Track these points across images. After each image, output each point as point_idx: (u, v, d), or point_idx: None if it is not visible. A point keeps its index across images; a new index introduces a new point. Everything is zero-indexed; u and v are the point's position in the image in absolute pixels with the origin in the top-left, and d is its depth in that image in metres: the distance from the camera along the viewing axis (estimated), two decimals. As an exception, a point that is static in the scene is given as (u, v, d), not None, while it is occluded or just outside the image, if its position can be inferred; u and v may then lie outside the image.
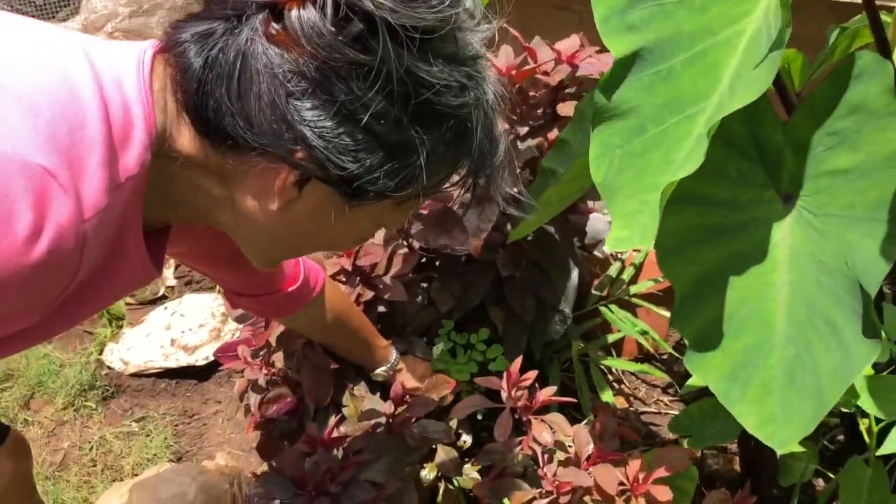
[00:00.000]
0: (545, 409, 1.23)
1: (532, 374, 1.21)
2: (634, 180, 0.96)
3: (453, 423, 1.37)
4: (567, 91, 1.60)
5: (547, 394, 1.20)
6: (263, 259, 0.86)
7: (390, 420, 1.25)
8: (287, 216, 0.74)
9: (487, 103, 0.75)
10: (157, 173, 0.71)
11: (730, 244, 1.01)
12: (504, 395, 1.22)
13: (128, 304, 2.21)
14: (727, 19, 0.97)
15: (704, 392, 1.75)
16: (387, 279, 1.45)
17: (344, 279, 1.46)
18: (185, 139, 0.71)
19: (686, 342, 1.01)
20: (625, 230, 0.94)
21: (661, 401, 1.85)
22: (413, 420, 1.25)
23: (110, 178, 0.65)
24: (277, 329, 1.45)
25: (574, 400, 1.32)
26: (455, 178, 0.79)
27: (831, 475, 1.40)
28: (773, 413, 0.91)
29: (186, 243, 0.98)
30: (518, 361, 1.22)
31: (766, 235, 0.98)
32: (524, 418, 1.20)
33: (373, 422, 1.29)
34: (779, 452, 0.90)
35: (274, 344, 1.45)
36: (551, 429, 1.17)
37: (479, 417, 1.49)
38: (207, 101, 0.68)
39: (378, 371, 1.42)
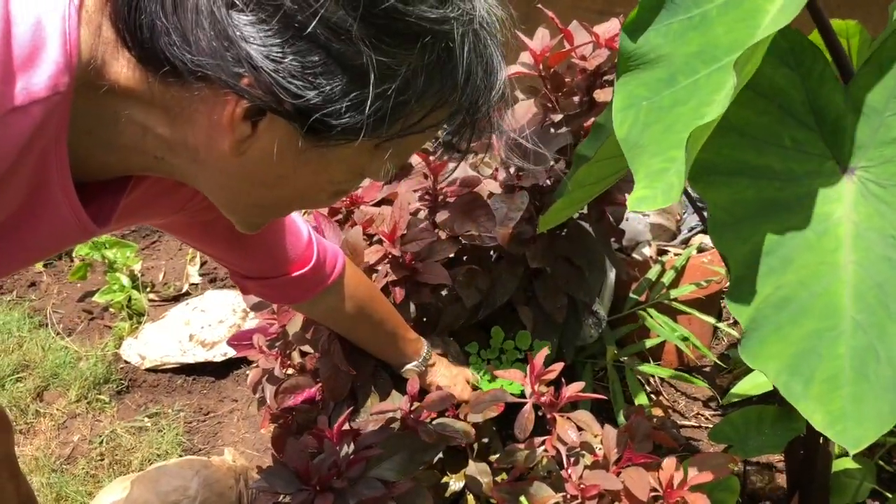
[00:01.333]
0: (572, 406, 1.12)
1: (558, 367, 1.11)
2: (661, 136, 0.87)
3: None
4: (606, 78, 1.50)
5: (574, 389, 1.09)
6: (235, 217, 0.76)
7: (406, 416, 1.16)
8: (243, 160, 0.65)
9: (478, 21, 0.63)
10: (87, 108, 0.62)
11: (786, 220, 0.91)
12: (527, 389, 1.12)
13: (150, 300, 2.16)
14: None
15: (749, 403, 1.64)
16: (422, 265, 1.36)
17: (388, 267, 1.37)
18: (123, 68, 0.62)
19: (742, 329, 0.90)
20: (647, 189, 0.85)
21: (702, 414, 1.73)
22: (430, 418, 1.16)
23: (1, 94, 0.56)
24: (296, 317, 1.37)
25: (604, 397, 1.21)
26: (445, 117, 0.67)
27: (888, 495, 1.27)
28: (842, 409, 0.80)
29: (166, 209, 0.88)
30: (543, 352, 1.12)
31: (826, 210, 0.88)
32: (549, 415, 1.10)
33: (387, 416, 1.20)
34: (832, 467, 0.79)
35: (291, 333, 1.38)
36: (578, 428, 1.06)
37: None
38: (141, 18, 0.58)
39: (408, 367, 1.32)
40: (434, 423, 1.18)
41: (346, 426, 1.20)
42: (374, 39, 0.58)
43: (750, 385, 1.53)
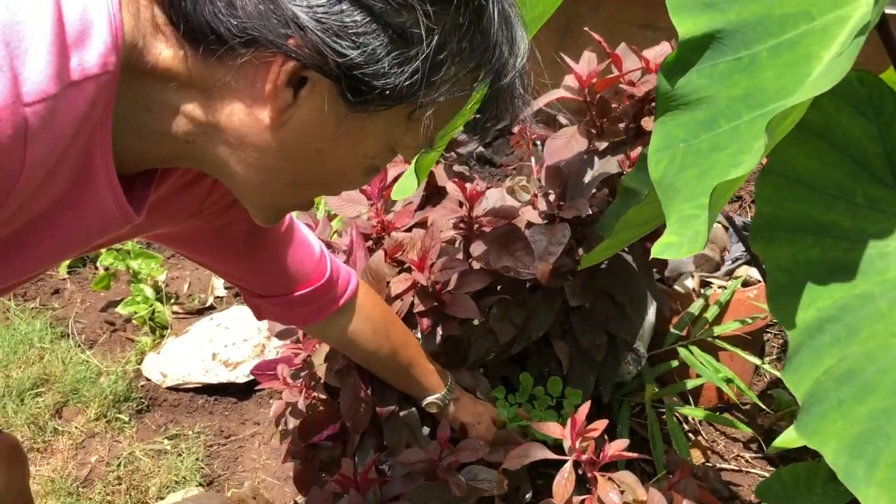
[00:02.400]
0: (612, 463, 1.05)
1: (601, 425, 1.04)
2: (696, 181, 0.82)
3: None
4: (654, 104, 1.43)
5: (617, 448, 1.02)
6: (260, 203, 0.75)
7: (435, 465, 1.09)
8: (283, 133, 0.65)
9: None
10: (125, 92, 0.62)
11: (855, 285, 0.83)
12: (566, 444, 1.06)
13: (174, 312, 2.11)
14: (830, 3, 0.80)
15: (796, 452, 1.56)
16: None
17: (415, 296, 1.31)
18: (163, 49, 0.62)
19: (798, 402, 0.83)
20: (675, 235, 0.80)
21: (742, 457, 1.65)
22: (460, 466, 1.09)
23: (61, 67, 0.55)
24: (321, 348, 1.31)
25: (648, 457, 1.14)
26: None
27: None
28: (913, 500, 0.72)
29: (184, 211, 0.85)
30: (585, 407, 1.05)
31: (902, 276, 0.80)
32: (589, 474, 1.03)
33: (417, 461, 1.14)
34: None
35: (316, 364, 1.32)
36: (620, 489, 0.99)
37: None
38: None
39: (430, 400, 1.26)
40: (463, 470, 1.12)
41: (372, 470, 1.14)
42: None
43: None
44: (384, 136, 0.69)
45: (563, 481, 0.99)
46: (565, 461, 1.04)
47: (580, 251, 1.45)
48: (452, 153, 1.58)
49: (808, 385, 0.84)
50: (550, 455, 1.04)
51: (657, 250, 0.77)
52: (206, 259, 1.02)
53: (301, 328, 1.20)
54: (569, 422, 1.04)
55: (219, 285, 2.22)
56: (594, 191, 1.57)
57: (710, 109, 0.82)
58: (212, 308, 2.15)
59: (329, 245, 1.57)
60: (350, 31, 0.59)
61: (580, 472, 1.04)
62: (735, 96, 0.81)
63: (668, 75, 0.83)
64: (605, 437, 1.07)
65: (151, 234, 0.92)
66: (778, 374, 1.67)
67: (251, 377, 1.80)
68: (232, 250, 0.97)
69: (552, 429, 1.06)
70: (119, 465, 1.63)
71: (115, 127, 0.63)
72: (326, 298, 1.09)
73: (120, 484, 1.58)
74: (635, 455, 1.04)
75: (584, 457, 1.02)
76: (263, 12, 0.59)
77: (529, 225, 1.42)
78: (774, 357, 1.88)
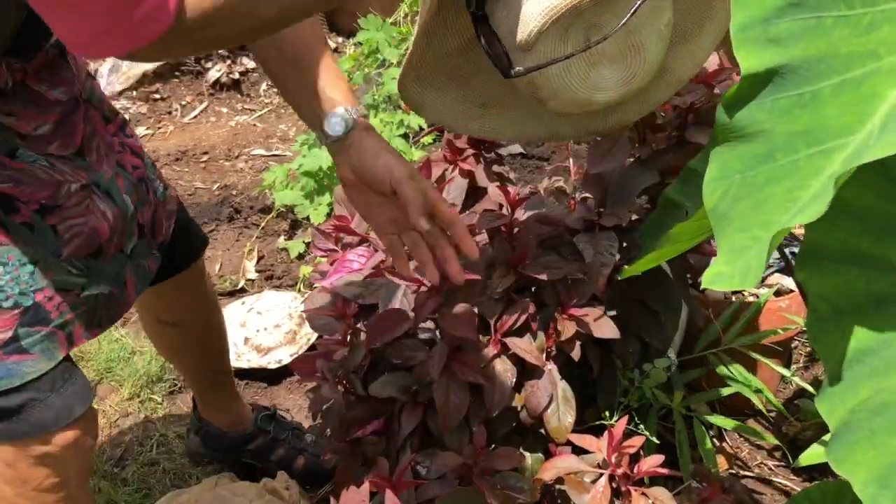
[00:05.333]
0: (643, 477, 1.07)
1: (638, 441, 1.05)
2: (750, 213, 0.82)
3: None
4: (698, 115, 1.43)
5: (652, 464, 1.04)
6: None
7: (470, 469, 1.11)
8: None
9: None
10: None
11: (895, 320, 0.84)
12: (601, 457, 1.07)
13: (206, 293, 2.14)
14: None
15: (824, 468, 1.57)
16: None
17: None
18: None
19: (830, 429, 0.84)
20: (726, 266, 0.79)
21: (766, 464, 1.67)
22: (496, 472, 1.11)
23: None
24: (359, 347, 1.33)
25: (678, 473, 1.15)
26: None
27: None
28: (939, 532, 0.73)
29: None
30: (623, 423, 1.07)
31: (950, 315, 0.80)
32: (623, 488, 1.05)
33: (453, 465, 1.16)
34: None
35: (355, 359, 1.33)
36: (654, 505, 1.01)
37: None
38: None
39: (336, 114, 0.99)
40: (496, 476, 1.14)
41: (409, 472, 1.16)
42: None
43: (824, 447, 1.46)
44: None
45: (599, 495, 1.01)
46: (601, 474, 1.05)
47: (617, 257, 1.46)
48: (493, 153, 1.58)
49: (841, 414, 0.85)
50: (586, 468, 1.06)
51: (708, 280, 0.77)
52: None
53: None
54: (606, 435, 1.06)
55: (250, 268, 2.24)
56: (634, 199, 1.57)
57: (768, 143, 0.82)
58: (243, 291, 2.18)
59: (365, 240, 1.59)
60: None
61: (614, 485, 1.05)
62: (794, 132, 0.81)
63: (728, 108, 0.83)
64: (642, 452, 1.09)
65: None
66: (805, 384, 1.68)
67: (283, 363, 1.83)
68: None
69: (589, 442, 1.07)
70: (152, 446, 1.67)
71: None
72: None
73: (154, 466, 1.62)
74: (669, 472, 1.05)
75: (619, 471, 1.04)
76: None
77: (571, 231, 1.43)
78: (801, 366, 1.88)
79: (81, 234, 1.07)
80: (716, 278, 0.80)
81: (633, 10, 0.94)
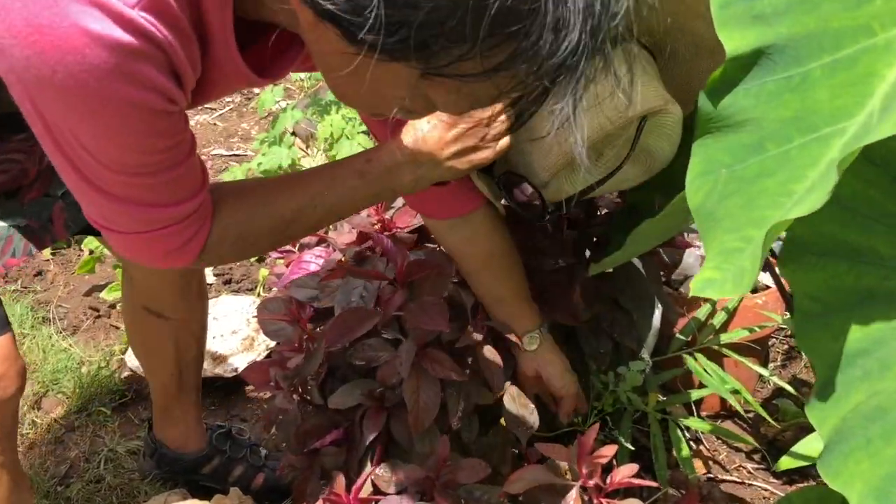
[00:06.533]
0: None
1: (610, 451, 0.98)
2: (740, 210, 0.75)
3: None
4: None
5: (625, 474, 0.97)
6: (338, 97, 0.81)
7: (433, 482, 1.04)
8: (319, 48, 0.71)
9: None
10: None
11: (890, 316, 0.78)
12: (564, 465, 1.00)
13: (161, 299, 2.04)
14: (893, 16, 0.73)
15: (805, 470, 1.51)
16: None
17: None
18: None
19: (822, 440, 0.77)
20: (717, 271, 0.73)
21: (745, 467, 1.61)
22: (460, 485, 1.04)
23: None
24: (317, 352, 1.24)
25: (655, 483, 1.08)
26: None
27: None
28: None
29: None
30: (593, 431, 0.99)
31: (944, 309, 0.74)
32: (595, 500, 0.98)
33: (414, 478, 1.08)
34: None
35: (311, 366, 1.25)
36: (629, 518, 0.94)
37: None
38: None
39: (530, 335, 1.24)
40: (461, 489, 1.07)
41: (368, 485, 1.08)
42: None
43: (805, 450, 1.40)
44: (407, 86, 0.69)
45: (570, 510, 0.94)
46: (570, 486, 0.98)
47: (587, 252, 1.40)
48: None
49: (833, 422, 0.78)
50: (556, 480, 0.99)
51: (697, 287, 0.70)
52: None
53: (432, 218, 1.20)
54: (575, 445, 0.99)
55: (207, 271, 2.15)
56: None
57: (758, 132, 0.75)
58: (200, 296, 2.08)
59: (323, 240, 1.51)
60: None
61: (585, 497, 0.98)
62: (785, 118, 0.74)
63: (711, 95, 0.76)
64: (615, 462, 1.02)
65: None
66: (783, 383, 1.62)
67: (238, 371, 1.74)
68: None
69: (557, 452, 1.00)
70: (99, 462, 1.57)
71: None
72: (456, 199, 1.12)
73: (100, 483, 1.52)
74: (644, 483, 0.99)
75: (590, 482, 0.97)
76: None
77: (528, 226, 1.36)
78: (779, 364, 1.83)
79: (8, 172, 1.08)
80: (706, 285, 0.72)
81: (633, 145, 1.04)
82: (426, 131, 0.97)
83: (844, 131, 0.72)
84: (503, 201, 1.17)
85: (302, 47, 0.86)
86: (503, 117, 1.01)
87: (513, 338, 1.21)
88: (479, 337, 1.20)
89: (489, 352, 1.21)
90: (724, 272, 0.72)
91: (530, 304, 1.24)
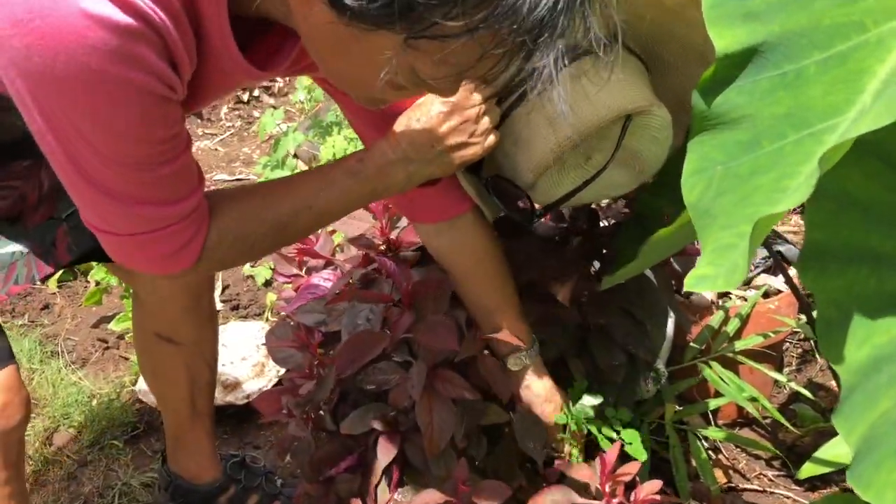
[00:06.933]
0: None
1: (633, 468, 0.97)
2: (735, 207, 0.74)
3: None
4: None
5: (650, 490, 0.95)
6: (336, 82, 0.85)
7: (452, 506, 1.02)
8: (309, 24, 0.73)
9: None
10: None
11: (917, 320, 0.76)
12: (592, 484, 0.99)
13: (169, 328, 2.03)
14: (887, 11, 0.73)
15: (826, 476, 1.49)
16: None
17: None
18: None
19: (850, 449, 0.76)
20: (711, 267, 0.72)
21: (765, 475, 1.59)
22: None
23: None
24: (328, 378, 1.23)
25: (679, 501, 1.07)
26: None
27: None
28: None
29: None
30: (616, 447, 0.98)
31: (971, 312, 0.73)
32: (619, 518, 0.96)
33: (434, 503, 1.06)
34: None
35: (323, 393, 1.24)
36: (654, 536, 0.92)
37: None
38: None
39: (514, 357, 1.21)
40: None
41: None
42: None
43: (828, 455, 1.38)
44: (392, 57, 0.69)
45: (594, 531, 0.92)
46: (594, 505, 0.97)
47: (595, 264, 1.39)
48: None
49: (861, 430, 0.77)
50: (578, 500, 0.97)
51: (690, 282, 0.70)
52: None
53: (419, 222, 1.21)
54: (598, 463, 0.97)
55: (215, 297, 2.14)
56: (608, 202, 1.50)
57: (751, 129, 0.74)
58: (208, 323, 2.07)
59: (330, 263, 1.50)
60: None
61: (610, 515, 0.97)
62: (778, 115, 0.74)
63: (704, 94, 0.76)
64: (637, 479, 1.00)
65: (314, 77, 1.08)
66: (800, 388, 1.60)
67: (251, 399, 1.73)
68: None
69: (581, 472, 0.99)
70: (114, 497, 1.56)
71: None
72: (446, 201, 1.12)
73: (115, 518, 1.51)
74: (669, 500, 0.97)
75: (614, 501, 0.95)
76: None
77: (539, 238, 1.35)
78: (794, 368, 1.81)
79: (7, 198, 1.09)
80: (699, 281, 0.72)
81: (617, 145, 1.04)
82: (416, 129, 0.98)
83: (836, 128, 0.71)
84: (493, 211, 1.20)
85: (296, 43, 0.87)
86: (491, 114, 1.02)
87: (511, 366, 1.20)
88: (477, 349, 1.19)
89: (491, 362, 1.20)
90: (718, 268, 0.71)
91: (520, 323, 1.22)
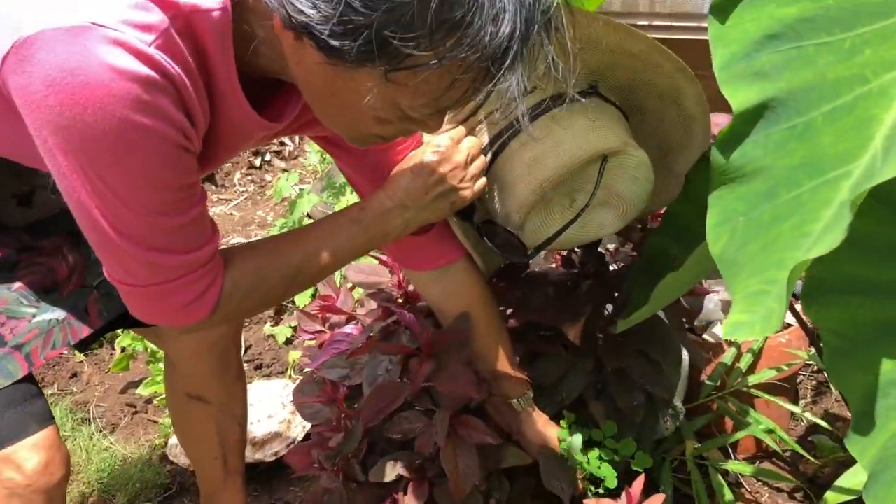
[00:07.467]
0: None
1: (658, 500, 1.00)
2: (760, 255, 0.79)
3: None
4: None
5: (674, 522, 0.98)
6: (327, 124, 0.91)
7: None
8: (302, 68, 0.81)
9: None
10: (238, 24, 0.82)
11: (915, 344, 0.81)
12: (619, 519, 1.02)
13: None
14: (884, 64, 0.78)
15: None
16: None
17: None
18: None
19: (865, 471, 0.80)
20: (745, 314, 0.76)
21: (788, 508, 1.61)
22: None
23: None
24: (355, 429, 1.28)
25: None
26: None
27: None
28: None
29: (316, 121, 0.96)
30: (640, 481, 1.02)
31: (965, 336, 0.77)
32: (646, 551, 1.00)
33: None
34: None
35: (351, 444, 1.28)
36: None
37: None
38: None
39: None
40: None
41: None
42: None
43: (850, 483, 1.40)
44: (376, 92, 0.79)
45: (621, 564, 0.96)
46: (620, 539, 1.00)
47: (608, 307, 1.43)
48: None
49: (874, 452, 0.81)
50: (605, 534, 1.01)
51: (728, 331, 0.74)
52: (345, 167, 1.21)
53: (415, 271, 1.27)
54: (624, 497, 1.01)
55: (238, 359, 2.19)
56: (616, 246, 1.55)
57: (769, 180, 0.79)
58: (233, 383, 2.12)
59: (352, 318, 1.55)
60: None
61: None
62: (793, 165, 0.78)
63: (722, 149, 0.81)
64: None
65: (315, 135, 1.15)
66: (816, 419, 1.63)
67: (279, 455, 1.76)
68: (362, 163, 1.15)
69: (605, 506, 1.02)
70: (151, 559, 1.59)
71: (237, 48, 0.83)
72: (438, 248, 1.21)
73: (153, 580, 1.54)
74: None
75: (640, 533, 0.99)
76: None
77: (549, 281, 1.40)
78: (809, 400, 1.84)
79: (37, 273, 1.15)
80: (735, 328, 0.76)
81: (596, 185, 1.12)
82: (411, 179, 1.07)
83: (850, 174, 0.76)
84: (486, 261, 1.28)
85: (301, 98, 0.95)
86: (478, 162, 1.11)
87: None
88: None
89: (499, 402, 1.25)
90: (753, 314, 0.75)
91: (513, 370, 1.28)
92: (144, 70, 0.75)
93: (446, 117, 0.91)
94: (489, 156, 1.15)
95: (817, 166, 0.78)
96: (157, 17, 0.76)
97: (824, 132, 0.79)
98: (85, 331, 1.20)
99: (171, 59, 0.77)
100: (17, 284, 1.12)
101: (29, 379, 1.12)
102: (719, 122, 1.43)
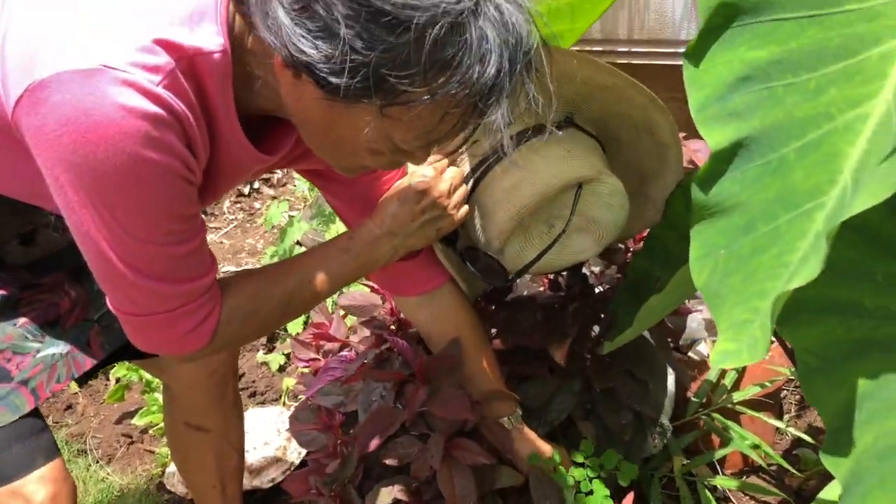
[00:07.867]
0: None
1: (646, 517, 1.04)
2: (742, 286, 0.83)
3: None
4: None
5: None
6: (322, 155, 0.96)
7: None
8: (301, 105, 0.86)
9: (481, 13, 0.78)
10: (237, 65, 0.87)
11: (884, 362, 0.85)
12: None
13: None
14: (848, 102, 0.83)
15: (833, 515, 1.55)
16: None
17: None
18: (246, 34, 0.87)
19: (840, 484, 0.83)
20: (732, 343, 0.80)
21: (776, 521, 1.65)
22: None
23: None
24: (351, 457, 1.31)
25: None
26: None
27: None
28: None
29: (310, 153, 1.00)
30: (630, 498, 1.05)
31: (931, 353, 0.81)
32: (636, 566, 1.03)
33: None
34: None
35: (347, 470, 1.31)
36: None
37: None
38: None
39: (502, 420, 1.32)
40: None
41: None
42: (352, 18, 0.75)
43: (831, 495, 1.44)
44: (372, 125, 0.83)
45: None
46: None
47: (594, 329, 1.47)
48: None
49: (848, 465, 0.84)
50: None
51: (716, 359, 0.78)
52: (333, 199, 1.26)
53: (402, 295, 1.31)
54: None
55: (232, 387, 2.21)
56: (601, 268, 1.59)
57: (746, 214, 0.83)
58: (227, 411, 2.14)
59: (346, 345, 1.59)
60: (311, 34, 0.76)
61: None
62: (769, 199, 0.82)
63: (701, 186, 0.85)
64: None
65: (305, 168, 1.19)
66: (800, 433, 1.67)
67: (275, 482, 1.79)
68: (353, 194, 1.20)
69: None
70: (150, 588, 1.61)
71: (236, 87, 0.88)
72: (425, 274, 1.26)
73: None
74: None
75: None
76: (262, 7, 0.79)
77: (536, 304, 1.44)
78: (794, 415, 1.88)
79: (40, 308, 1.18)
80: (723, 356, 0.80)
81: (571, 211, 1.18)
82: (397, 207, 1.13)
83: (824, 205, 0.80)
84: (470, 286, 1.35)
85: (293, 133, 1.01)
86: (460, 190, 1.18)
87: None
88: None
89: (492, 422, 1.29)
90: (739, 343, 0.79)
91: (500, 390, 1.33)
92: (153, 108, 0.79)
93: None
94: (470, 184, 1.20)
95: (791, 200, 0.82)
96: (163, 59, 0.80)
97: (796, 167, 0.83)
98: (88, 363, 1.24)
99: (177, 98, 0.82)
100: (22, 320, 1.15)
101: (35, 413, 1.14)
102: (696, 148, 1.49)
